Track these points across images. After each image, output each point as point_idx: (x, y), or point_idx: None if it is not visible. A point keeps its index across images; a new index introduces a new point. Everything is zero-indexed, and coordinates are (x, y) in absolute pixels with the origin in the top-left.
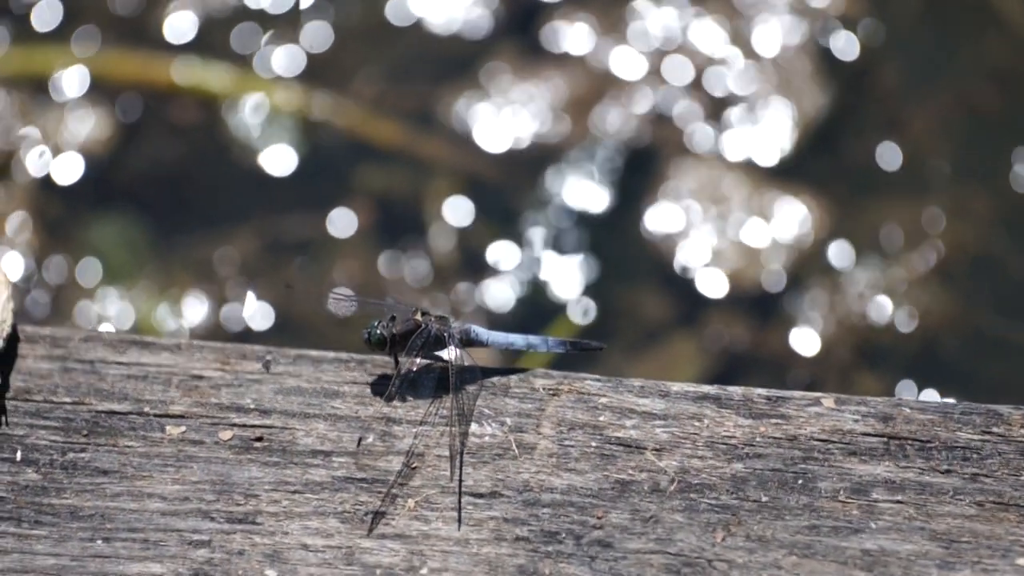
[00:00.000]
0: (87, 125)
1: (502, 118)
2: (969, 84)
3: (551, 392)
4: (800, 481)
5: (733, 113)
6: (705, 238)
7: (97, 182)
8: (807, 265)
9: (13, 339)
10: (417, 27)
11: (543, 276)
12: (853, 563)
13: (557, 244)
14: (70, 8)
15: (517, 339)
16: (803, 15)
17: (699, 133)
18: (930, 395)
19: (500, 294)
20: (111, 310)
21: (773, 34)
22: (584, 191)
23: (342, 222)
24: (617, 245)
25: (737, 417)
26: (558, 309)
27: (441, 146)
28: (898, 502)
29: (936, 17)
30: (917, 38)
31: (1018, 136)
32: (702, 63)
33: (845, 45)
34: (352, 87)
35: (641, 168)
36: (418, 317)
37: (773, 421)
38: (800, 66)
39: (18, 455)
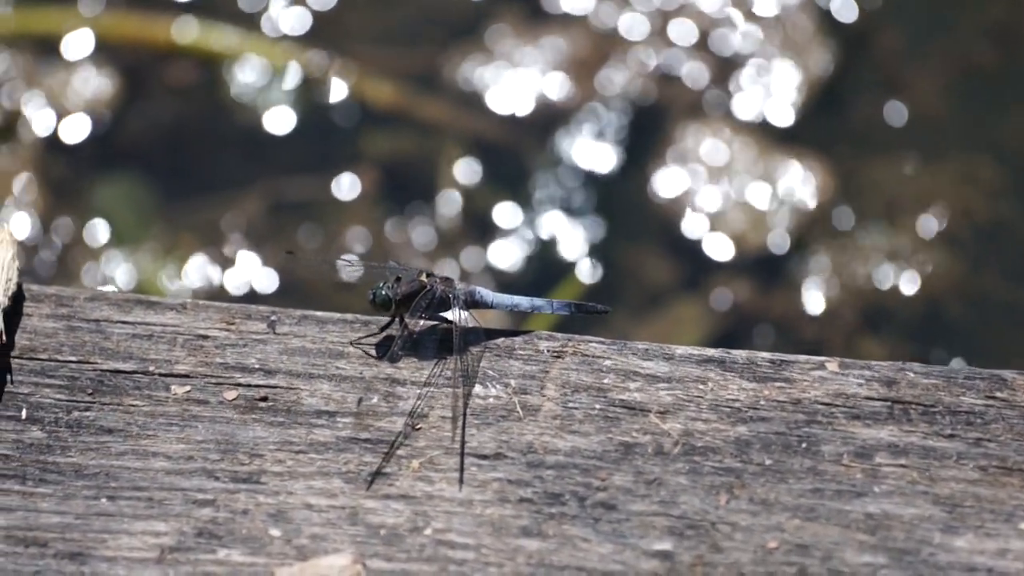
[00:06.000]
0: (92, 86)
1: (507, 80)
2: (971, 44)
3: (555, 354)
4: (804, 445)
5: (737, 74)
6: (710, 200)
7: (102, 143)
8: (812, 228)
9: (18, 297)
10: None
11: (549, 238)
12: (856, 526)
13: (563, 205)
14: None
15: (522, 301)
16: None
17: (704, 94)
18: (934, 359)
19: (507, 256)
20: (117, 271)
21: None
22: (590, 153)
23: (347, 185)
24: (623, 207)
25: (741, 380)
26: (564, 270)
27: (446, 108)
28: (902, 466)
29: None
30: None
31: (1021, 95)
32: (706, 24)
33: (844, 5)
34: (356, 49)
35: (647, 129)
36: (423, 278)
37: (777, 384)
38: (803, 26)
39: (23, 413)
